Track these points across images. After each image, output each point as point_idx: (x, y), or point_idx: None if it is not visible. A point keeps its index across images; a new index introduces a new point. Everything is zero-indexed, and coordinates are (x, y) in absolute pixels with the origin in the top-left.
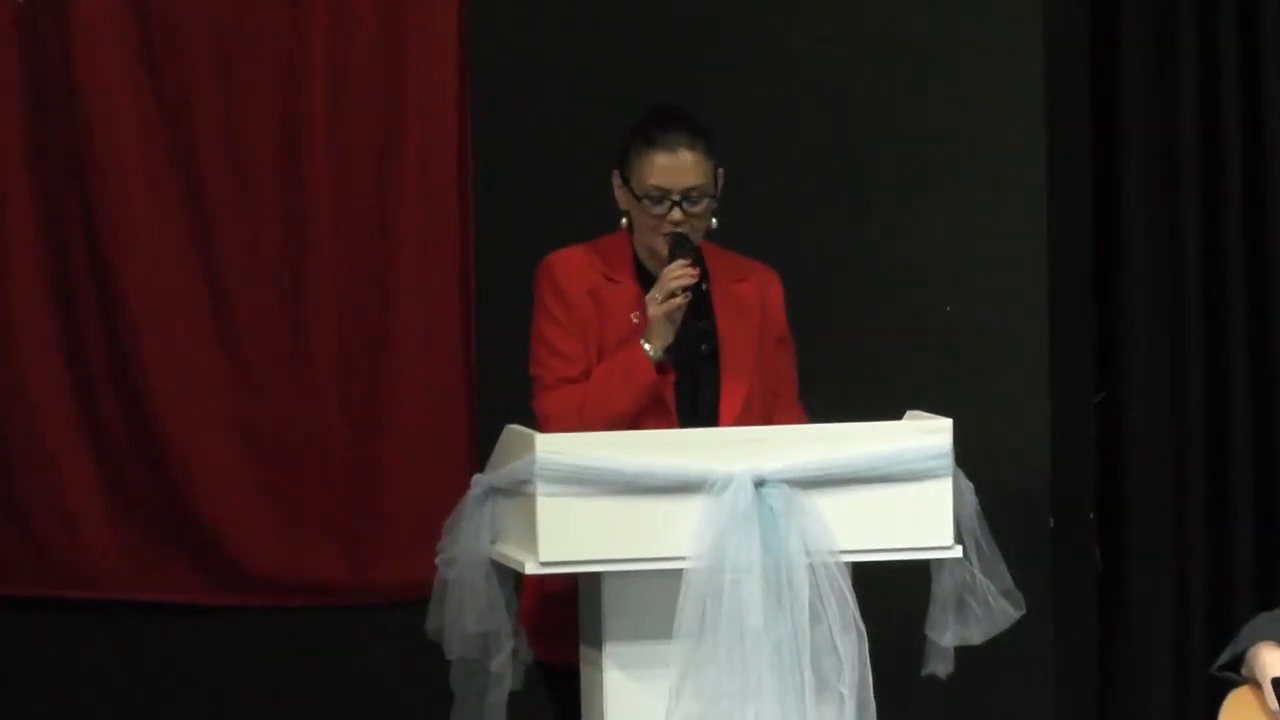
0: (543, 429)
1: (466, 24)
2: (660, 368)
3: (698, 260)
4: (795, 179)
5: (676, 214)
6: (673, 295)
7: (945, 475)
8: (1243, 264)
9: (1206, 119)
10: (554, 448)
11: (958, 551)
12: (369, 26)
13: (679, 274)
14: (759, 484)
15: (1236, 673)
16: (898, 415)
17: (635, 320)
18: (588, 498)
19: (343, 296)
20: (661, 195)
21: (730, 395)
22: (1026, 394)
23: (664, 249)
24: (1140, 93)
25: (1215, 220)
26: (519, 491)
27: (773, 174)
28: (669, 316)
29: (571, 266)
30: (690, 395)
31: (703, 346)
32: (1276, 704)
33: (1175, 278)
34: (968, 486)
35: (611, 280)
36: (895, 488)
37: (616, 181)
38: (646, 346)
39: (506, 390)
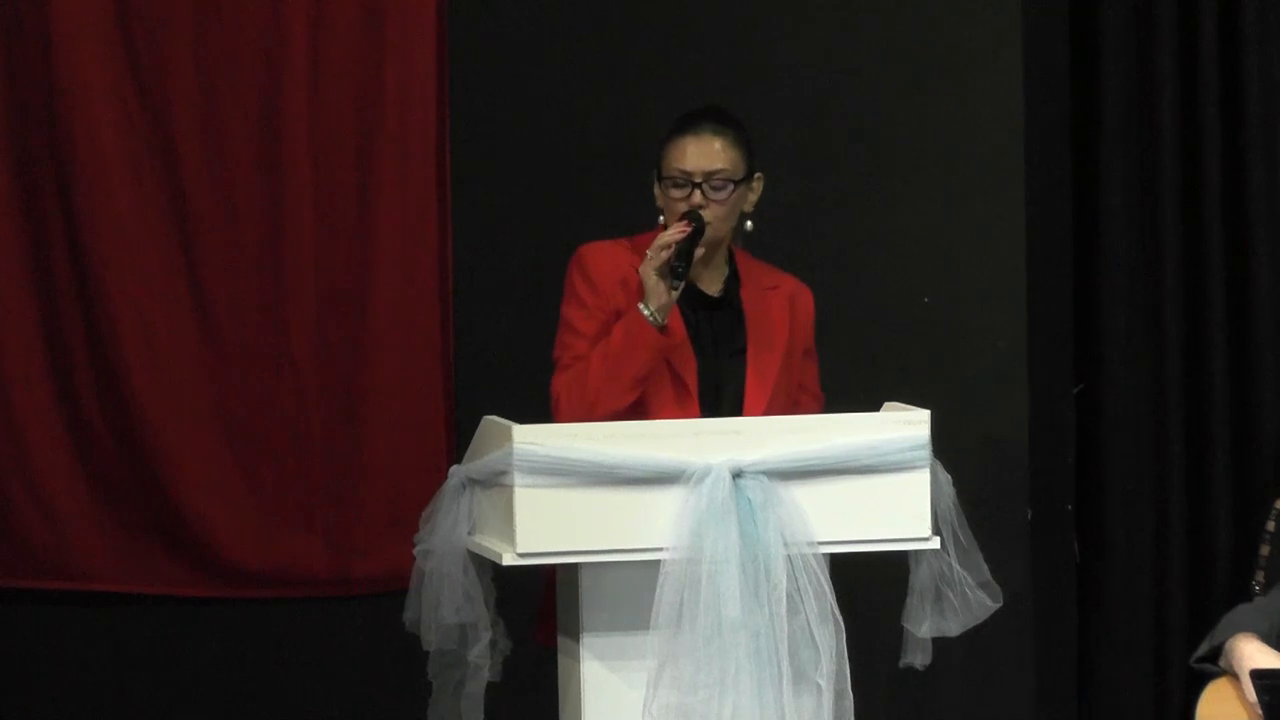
0: (554, 407)
1: (445, 18)
2: (663, 329)
3: (699, 229)
4: (775, 172)
5: (697, 196)
6: (659, 251)
7: (923, 466)
8: (1222, 256)
9: (1186, 111)
10: (531, 439)
11: (935, 543)
12: (349, 22)
13: (671, 233)
14: (737, 475)
15: (1215, 664)
16: (876, 406)
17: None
18: (565, 488)
19: (322, 289)
20: (685, 178)
21: (756, 391)
22: (1005, 385)
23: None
24: (1120, 85)
25: (1194, 212)
26: (497, 482)
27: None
28: (659, 273)
29: (602, 254)
30: (714, 385)
31: (673, 283)
32: (1255, 695)
33: (1154, 270)
34: (946, 478)
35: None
36: (873, 479)
37: (655, 183)
38: (643, 308)
39: (484, 382)
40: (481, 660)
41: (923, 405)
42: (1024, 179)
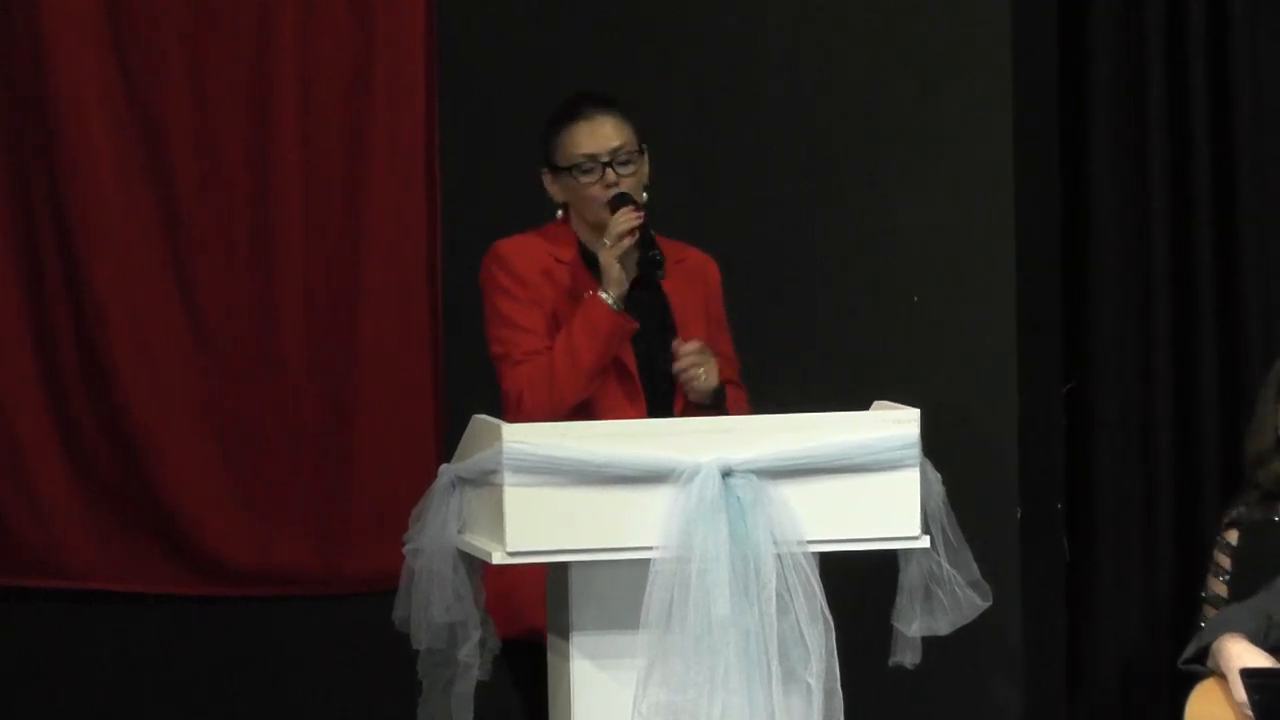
0: (516, 405)
1: (435, 17)
2: (623, 316)
3: (640, 208)
4: (764, 169)
5: (610, 175)
6: (621, 239)
7: (913, 465)
8: (1211, 253)
9: (1174, 106)
10: (521, 437)
11: (925, 542)
12: (338, 21)
13: (625, 219)
14: (726, 474)
15: (1202, 665)
16: (865, 405)
17: (590, 295)
18: (555, 487)
19: (311, 288)
20: (591, 162)
21: None
22: (995, 384)
23: (608, 216)
24: (1108, 81)
25: (1184, 209)
26: (486, 481)
27: (742, 164)
28: (621, 260)
29: (522, 248)
30: (651, 367)
31: (657, 273)
32: (1244, 695)
33: (1144, 267)
34: (935, 477)
35: (560, 262)
36: (863, 478)
37: (547, 177)
38: (603, 295)
39: (473, 381)
40: (471, 659)
41: (912, 404)
42: (1013, 177)
